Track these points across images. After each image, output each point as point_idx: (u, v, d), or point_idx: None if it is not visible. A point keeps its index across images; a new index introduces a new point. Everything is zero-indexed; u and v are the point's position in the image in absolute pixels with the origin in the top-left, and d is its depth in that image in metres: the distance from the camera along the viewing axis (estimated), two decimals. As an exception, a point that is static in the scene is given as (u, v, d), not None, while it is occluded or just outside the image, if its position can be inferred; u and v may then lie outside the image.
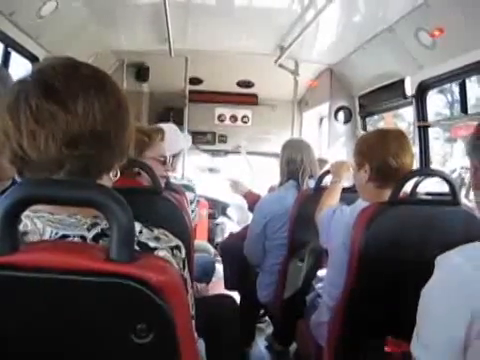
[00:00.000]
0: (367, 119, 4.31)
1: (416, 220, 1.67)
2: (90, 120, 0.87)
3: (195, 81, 4.72)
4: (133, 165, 1.91)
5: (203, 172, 6.27)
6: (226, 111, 5.11)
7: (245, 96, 5.03)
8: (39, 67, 0.92)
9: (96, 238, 0.86)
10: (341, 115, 4.34)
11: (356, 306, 1.70)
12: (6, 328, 0.73)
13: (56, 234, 0.85)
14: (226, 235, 4.39)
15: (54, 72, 0.88)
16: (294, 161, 2.82)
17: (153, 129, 2.24)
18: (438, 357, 1.07)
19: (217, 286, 3.29)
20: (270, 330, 3.30)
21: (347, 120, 4.33)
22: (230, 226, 4.93)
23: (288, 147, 2.90)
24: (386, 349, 1.54)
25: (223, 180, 3.84)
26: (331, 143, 4.40)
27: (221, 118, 5.11)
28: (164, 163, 2.21)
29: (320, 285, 2.23)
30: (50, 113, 0.84)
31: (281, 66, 4.24)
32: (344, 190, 2.65)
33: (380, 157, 1.81)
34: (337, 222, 1.90)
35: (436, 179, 1.81)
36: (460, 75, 2.66)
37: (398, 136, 1.83)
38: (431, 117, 3.23)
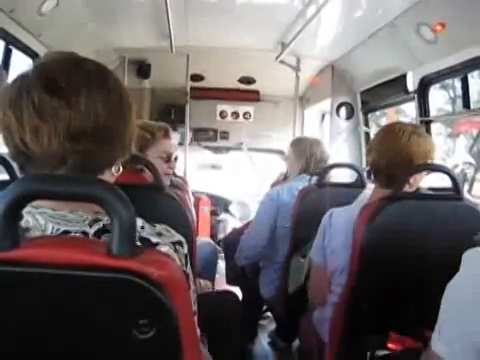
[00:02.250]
0: (369, 115, 4.30)
1: (419, 215, 1.67)
2: (93, 115, 0.87)
3: (196, 78, 4.72)
4: (135, 161, 1.91)
5: (205, 169, 6.27)
6: (228, 108, 5.10)
7: (247, 92, 5.03)
8: (41, 62, 0.92)
9: (98, 234, 0.86)
10: (343, 111, 4.33)
11: (358, 302, 1.70)
12: (7, 324, 0.73)
13: (58, 230, 0.85)
14: (228, 232, 4.40)
15: (57, 67, 0.89)
16: (314, 155, 2.87)
17: (156, 126, 2.24)
18: (459, 355, 1.03)
19: (219, 282, 3.30)
20: (273, 326, 3.31)
21: (349, 116, 4.31)
22: (232, 223, 4.93)
23: (313, 144, 2.91)
24: (389, 345, 1.54)
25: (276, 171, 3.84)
26: (333, 139, 4.39)
27: (223, 115, 5.10)
28: (168, 160, 2.21)
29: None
30: (53, 108, 0.84)
31: (282, 62, 4.23)
32: (344, 186, 2.65)
33: (392, 166, 1.78)
34: (336, 222, 1.89)
35: (439, 174, 1.80)
36: (462, 70, 2.65)
37: (409, 140, 1.75)
38: (433, 112, 3.22)
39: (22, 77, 0.88)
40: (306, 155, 2.85)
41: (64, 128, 0.85)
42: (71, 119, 0.85)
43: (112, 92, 0.92)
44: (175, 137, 3.30)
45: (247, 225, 3.38)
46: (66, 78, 0.87)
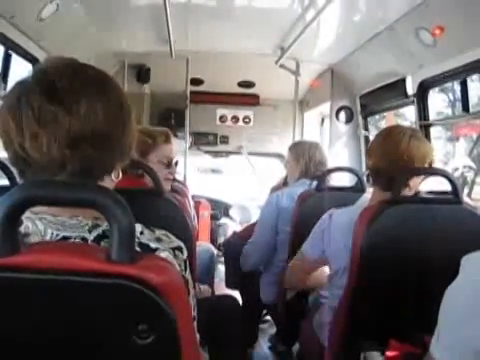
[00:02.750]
0: (369, 118, 4.30)
1: (418, 219, 1.67)
2: (92, 121, 0.87)
3: (196, 82, 4.72)
4: (135, 166, 1.91)
5: (205, 173, 6.27)
6: (227, 112, 5.11)
7: (246, 97, 5.03)
8: (41, 67, 0.92)
9: (97, 239, 0.86)
10: (342, 115, 4.33)
11: (357, 306, 1.69)
12: (7, 329, 0.73)
13: (57, 236, 0.85)
14: (228, 236, 4.39)
15: (56, 73, 0.88)
16: (313, 158, 2.87)
17: (157, 131, 2.24)
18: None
19: (219, 287, 3.29)
20: (273, 331, 3.30)
21: (349, 120, 4.31)
22: (233, 227, 4.93)
23: (311, 147, 2.91)
24: (388, 353, 1.53)
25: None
26: (332, 143, 4.40)
27: (223, 119, 5.11)
28: (168, 165, 2.20)
29: (322, 285, 2.22)
30: (52, 114, 0.84)
31: (282, 66, 4.24)
32: (344, 190, 2.65)
33: (392, 169, 1.77)
34: (336, 223, 1.89)
35: (438, 178, 1.80)
36: (461, 74, 2.65)
37: (409, 143, 1.75)
38: (433, 116, 3.22)
39: (22, 83, 0.88)
40: (305, 158, 2.85)
41: (63, 134, 0.85)
42: (70, 125, 0.85)
43: (112, 98, 0.92)
44: (179, 144, 3.30)
45: (247, 229, 3.38)
46: (66, 84, 0.87)
